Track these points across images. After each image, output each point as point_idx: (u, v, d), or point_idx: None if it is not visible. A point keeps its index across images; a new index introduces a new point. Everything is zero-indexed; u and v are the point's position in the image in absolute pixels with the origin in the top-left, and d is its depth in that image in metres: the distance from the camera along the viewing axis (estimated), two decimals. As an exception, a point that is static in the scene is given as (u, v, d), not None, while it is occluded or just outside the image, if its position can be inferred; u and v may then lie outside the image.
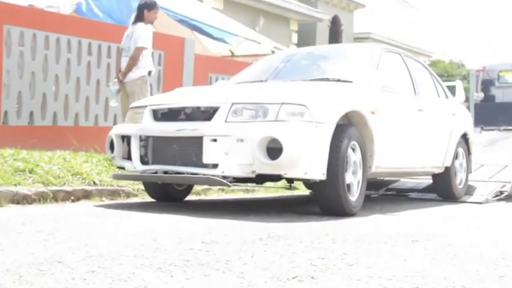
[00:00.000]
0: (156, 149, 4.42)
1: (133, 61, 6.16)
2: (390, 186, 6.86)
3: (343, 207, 4.25)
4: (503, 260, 2.80)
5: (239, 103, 4.11)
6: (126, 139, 4.61)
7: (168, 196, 5.01)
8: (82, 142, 6.47)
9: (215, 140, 4.03)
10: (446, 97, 6.46)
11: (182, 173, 4.23)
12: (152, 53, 6.55)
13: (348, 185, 4.32)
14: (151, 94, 6.84)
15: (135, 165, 4.46)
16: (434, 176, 6.16)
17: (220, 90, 4.78)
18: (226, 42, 10.95)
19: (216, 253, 2.67)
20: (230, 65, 9.99)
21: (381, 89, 4.94)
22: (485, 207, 5.78)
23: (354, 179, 4.41)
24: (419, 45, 28.16)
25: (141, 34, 6.18)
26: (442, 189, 6.20)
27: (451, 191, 6.14)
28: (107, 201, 4.90)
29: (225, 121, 4.07)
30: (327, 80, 4.87)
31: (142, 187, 5.43)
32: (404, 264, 2.63)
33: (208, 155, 4.06)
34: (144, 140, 4.45)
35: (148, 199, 5.24)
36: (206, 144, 4.06)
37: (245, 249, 2.79)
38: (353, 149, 4.38)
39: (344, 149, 4.19)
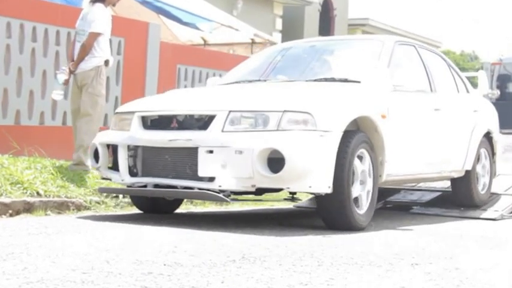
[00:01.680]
0: (146, 159, 4.61)
1: (85, 49, 6.07)
2: (389, 199, 6.90)
3: (350, 221, 4.46)
4: (517, 286, 2.84)
5: (237, 111, 4.31)
6: (111, 148, 4.77)
7: (157, 208, 5.21)
8: (24, 144, 6.41)
9: (211, 152, 4.23)
10: (467, 91, 6.64)
11: (175, 187, 4.43)
12: (111, 40, 6.49)
13: (356, 197, 4.54)
14: (107, 88, 6.79)
15: (123, 178, 4.63)
16: (453, 181, 6.33)
17: (215, 95, 4.95)
18: (197, 29, 10.96)
19: (180, 278, 2.66)
20: (202, 55, 10.00)
21: (392, 89, 5.13)
22: (500, 224, 5.84)
23: (362, 190, 4.62)
24: (426, 33, 28.47)
25: (96, 17, 6.06)
26: (462, 195, 6.35)
27: (472, 198, 6.30)
28: (53, 215, 4.86)
29: (222, 131, 4.27)
30: (333, 80, 5.10)
31: (96, 198, 5.41)
32: (401, 291, 2.65)
33: (204, 167, 4.25)
34: (133, 149, 4.63)
35: (103, 212, 5.22)
36: (201, 155, 4.25)
37: (214, 273, 2.79)
38: (361, 158, 4.59)
39: (351, 159, 4.40)
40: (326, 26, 21.37)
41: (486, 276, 3.05)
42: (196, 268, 2.89)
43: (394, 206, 6.85)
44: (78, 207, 5.20)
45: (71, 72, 6.12)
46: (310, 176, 4.18)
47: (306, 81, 5.16)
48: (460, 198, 6.42)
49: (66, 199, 5.17)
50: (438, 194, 7.01)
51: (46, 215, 4.85)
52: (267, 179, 4.17)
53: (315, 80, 5.14)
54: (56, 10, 7.63)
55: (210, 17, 10.89)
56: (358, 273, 3.00)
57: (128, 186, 4.75)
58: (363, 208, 4.62)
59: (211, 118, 4.35)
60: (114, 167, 4.76)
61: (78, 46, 6.16)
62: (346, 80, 5.06)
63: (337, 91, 4.82)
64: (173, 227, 4.38)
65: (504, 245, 4.35)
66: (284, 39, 19.00)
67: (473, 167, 6.23)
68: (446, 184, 7.26)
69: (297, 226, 4.77)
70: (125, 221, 4.60)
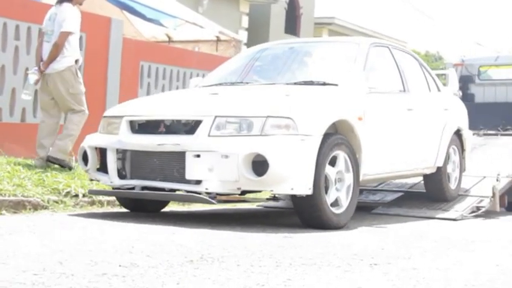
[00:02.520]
0: (135, 162, 4.81)
1: (57, 49, 6.14)
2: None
3: (326, 221, 4.67)
4: (473, 287, 2.87)
5: (222, 116, 4.52)
6: (100, 150, 4.96)
7: (143, 207, 5.35)
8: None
9: (198, 156, 4.43)
10: (438, 90, 6.89)
11: (163, 189, 4.64)
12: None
13: (334, 198, 4.77)
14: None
15: (112, 180, 4.84)
16: (426, 177, 6.67)
17: (201, 100, 5.09)
18: (161, 25, 10.89)
19: (135, 279, 2.63)
20: (166, 52, 9.94)
21: (368, 91, 5.35)
22: (460, 224, 5.93)
23: (339, 191, 4.85)
24: (391, 33, 28.76)
25: (67, 16, 6.14)
26: (434, 191, 6.70)
27: (443, 193, 6.66)
28: (8, 215, 4.75)
29: (209, 135, 4.48)
30: (311, 83, 5.31)
31: (54, 198, 5.32)
32: (358, 292, 2.66)
33: (192, 171, 4.46)
34: (121, 152, 4.83)
35: (61, 212, 5.14)
36: (189, 159, 4.45)
37: (170, 274, 2.77)
38: (340, 160, 4.82)
39: (328, 161, 4.63)
40: (292, 25, 21.43)
41: (443, 276, 3.08)
42: (152, 269, 2.86)
43: (357, 206, 6.88)
44: (35, 207, 5.10)
45: (41, 72, 6.19)
46: (292, 179, 4.39)
47: (286, 84, 5.35)
48: (432, 193, 6.73)
49: (22, 198, 5.06)
50: (400, 194, 7.11)
51: (1, 214, 4.75)
52: (252, 182, 4.37)
53: (295, 83, 5.33)
54: (15, 4, 7.48)
55: (174, 13, 10.83)
56: (317, 274, 3.00)
57: (114, 188, 4.92)
58: (340, 208, 4.83)
59: (197, 123, 4.53)
60: (103, 169, 4.93)
61: (46, 46, 6.24)
62: (324, 83, 5.25)
63: (317, 95, 5.00)
64: (135, 225, 4.34)
65: (462, 245, 4.41)
66: (250, 37, 19.01)
67: (444, 164, 6.54)
68: (408, 184, 7.42)
69: (259, 226, 4.77)
70: (84, 221, 4.55)
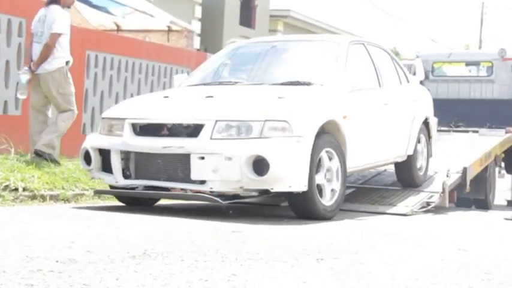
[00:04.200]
0: (139, 163, 5.15)
1: (47, 50, 6.34)
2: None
3: (318, 213, 5.16)
4: (417, 281, 2.93)
5: (223, 120, 4.91)
6: (102, 151, 5.25)
7: (138, 201, 5.65)
8: None
9: (203, 158, 4.82)
10: (408, 81, 7.33)
11: (166, 188, 5.05)
12: (10, 21, 6.39)
13: (323, 191, 5.21)
14: (8, 73, 6.73)
15: (117, 180, 5.18)
16: (397, 164, 7.16)
17: (199, 103, 5.35)
18: (109, 13, 10.77)
19: (72, 275, 2.60)
20: (115, 42, 9.81)
21: (350, 90, 5.76)
22: (409, 220, 6.03)
23: (329, 185, 5.30)
24: (348, 27, 29.04)
25: (56, 18, 6.35)
26: (404, 177, 7.24)
27: (413, 179, 7.20)
28: None
29: (211, 138, 4.86)
30: (298, 83, 5.69)
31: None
32: (302, 287, 2.68)
33: (197, 172, 4.85)
34: (125, 153, 5.15)
35: (0, 207, 5.04)
36: (194, 161, 4.85)
37: (110, 270, 2.74)
38: (329, 157, 5.27)
39: (318, 158, 5.08)
40: (247, 16, 21.43)
41: (388, 271, 3.13)
42: (92, 265, 2.83)
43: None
44: (-28, 201, 5.00)
45: (32, 72, 6.41)
46: (290, 178, 4.84)
47: (273, 84, 5.71)
48: (402, 179, 7.24)
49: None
50: (352, 190, 7.20)
51: None
52: (254, 182, 4.79)
53: (282, 84, 5.68)
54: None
55: (123, 1, 10.71)
56: (263, 268, 3.01)
57: (116, 187, 5.27)
58: (330, 200, 5.30)
59: (199, 126, 4.90)
60: (105, 169, 5.24)
61: (36, 47, 6.47)
62: (309, 84, 5.64)
63: (307, 97, 5.41)
64: (81, 221, 4.28)
65: (411, 240, 4.50)
66: (204, 28, 18.94)
67: (414, 152, 7.05)
68: (360, 180, 7.54)
69: (210, 220, 4.75)
70: (23, 216, 4.46)
